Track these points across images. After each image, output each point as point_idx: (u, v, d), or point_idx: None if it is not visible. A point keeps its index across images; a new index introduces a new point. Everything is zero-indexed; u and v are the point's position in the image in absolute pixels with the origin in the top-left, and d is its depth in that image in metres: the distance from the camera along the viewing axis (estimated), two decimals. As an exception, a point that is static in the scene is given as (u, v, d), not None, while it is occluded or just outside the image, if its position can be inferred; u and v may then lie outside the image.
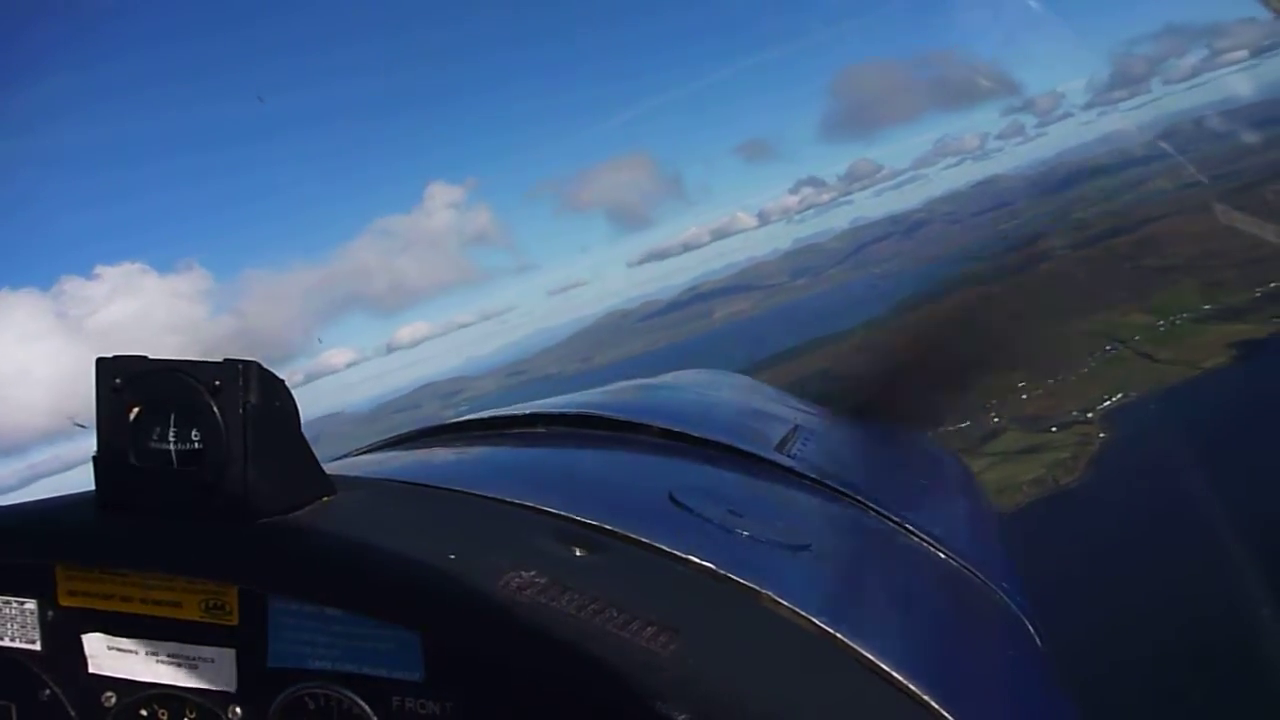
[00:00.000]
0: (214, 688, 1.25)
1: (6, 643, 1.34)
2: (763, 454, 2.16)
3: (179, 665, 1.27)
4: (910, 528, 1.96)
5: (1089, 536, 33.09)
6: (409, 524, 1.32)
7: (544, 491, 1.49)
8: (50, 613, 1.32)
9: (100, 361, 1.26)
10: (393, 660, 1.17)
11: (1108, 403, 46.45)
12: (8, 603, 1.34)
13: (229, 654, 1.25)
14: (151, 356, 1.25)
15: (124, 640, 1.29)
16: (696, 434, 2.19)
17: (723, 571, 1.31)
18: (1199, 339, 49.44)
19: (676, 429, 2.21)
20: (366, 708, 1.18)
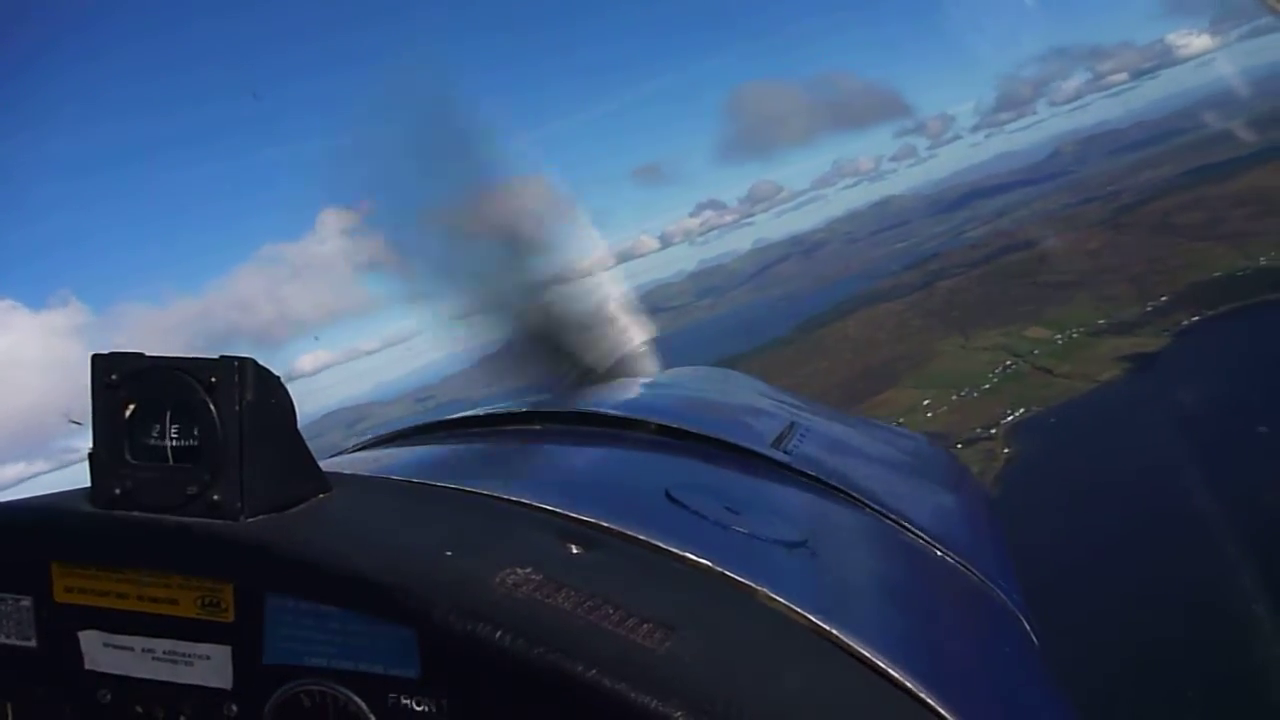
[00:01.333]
0: (210, 685, 1.24)
1: (2, 640, 1.33)
2: (759, 450, 2.16)
3: (175, 662, 1.26)
4: (906, 524, 1.96)
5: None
6: (405, 521, 1.32)
7: (540, 488, 1.49)
8: (46, 610, 1.31)
9: (95, 359, 1.25)
10: (389, 657, 1.16)
11: (1010, 417, 47.15)
12: (3, 600, 1.33)
13: (225, 651, 1.24)
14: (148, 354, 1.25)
15: (120, 637, 1.28)
16: (693, 430, 2.18)
17: (719, 568, 1.31)
18: (1094, 352, 50.54)
19: (673, 425, 2.20)
20: (363, 705, 1.18)
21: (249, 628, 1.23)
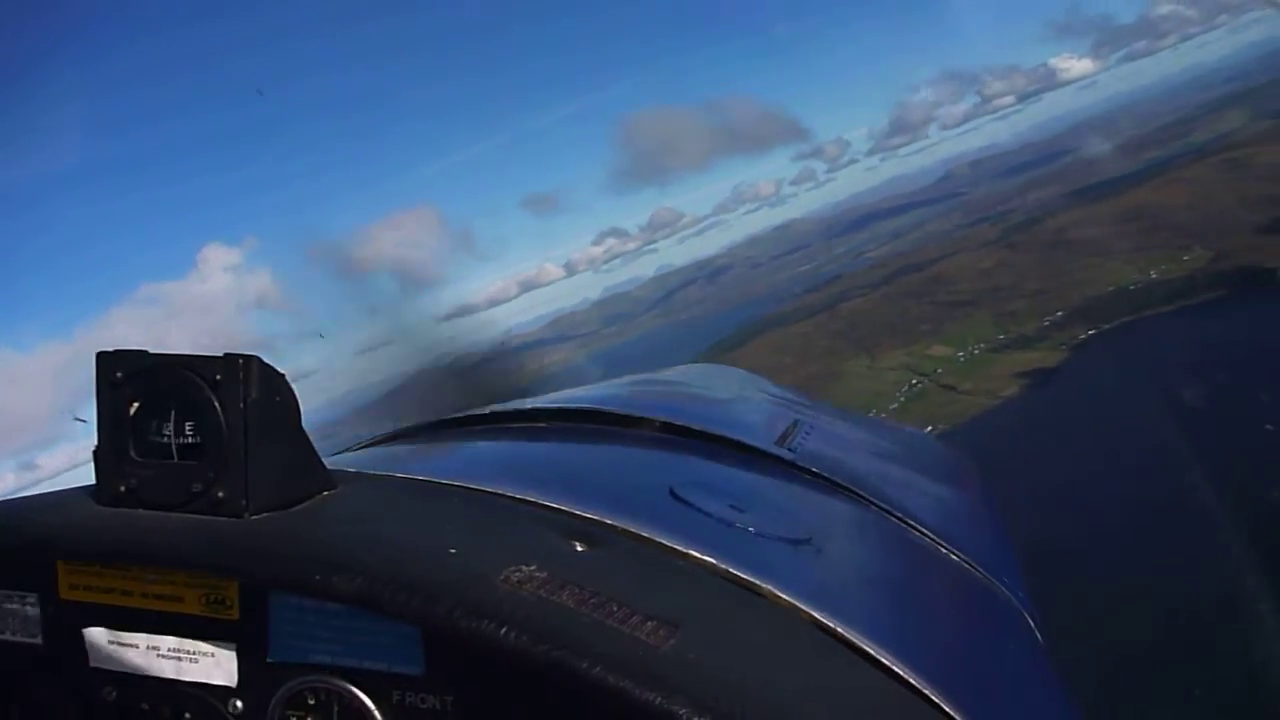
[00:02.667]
0: (215, 682, 1.25)
1: (7, 637, 1.33)
2: (763, 448, 2.16)
3: (180, 659, 1.26)
4: (911, 521, 1.95)
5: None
6: (409, 518, 1.33)
7: (544, 486, 1.49)
8: (51, 607, 1.31)
9: (101, 356, 1.26)
10: (393, 654, 1.17)
11: (920, 437, 47.22)
12: (8, 597, 1.33)
13: (230, 648, 1.24)
14: (152, 351, 1.25)
15: (125, 635, 1.28)
16: (697, 428, 2.18)
17: (723, 566, 1.31)
18: (996, 369, 51.06)
19: (677, 423, 2.20)
20: (367, 701, 1.18)
21: (254, 625, 1.23)
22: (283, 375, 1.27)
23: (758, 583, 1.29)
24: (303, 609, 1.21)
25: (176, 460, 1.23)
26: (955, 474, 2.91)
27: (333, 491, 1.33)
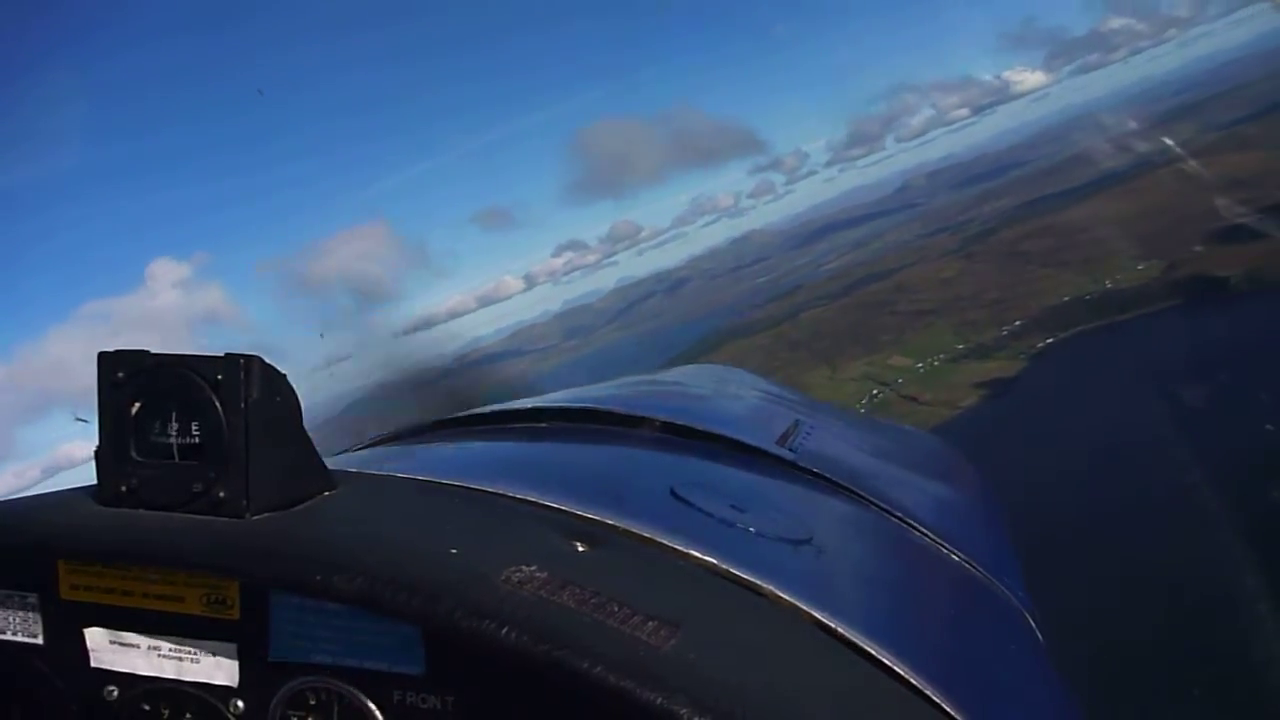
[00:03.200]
0: (216, 682, 1.25)
1: (8, 636, 1.33)
2: (764, 448, 2.16)
3: (181, 659, 1.26)
4: (911, 521, 1.95)
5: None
6: (410, 518, 1.32)
7: (545, 486, 1.48)
8: (52, 607, 1.31)
9: (102, 356, 1.26)
10: (394, 654, 1.17)
11: (882, 448, 47.31)
12: (9, 596, 1.33)
13: (231, 648, 1.24)
14: (153, 351, 1.25)
15: (126, 634, 1.28)
16: (697, 428, 2.19)
17: (724, 566, 1.31)
18: (956, 378, 51.38)
19: (678, 423, 2.20)
20: (368, 702, 1.18)
21: (254, 625, 1.23)
22: (284, 375, 1.27)
23: (758, 583, 1.29)
24: (303, 609, 1.21)
25: (177, 460, 1.23)
26: (955, 474, 2.90)
27: (333, 492, 1.33)
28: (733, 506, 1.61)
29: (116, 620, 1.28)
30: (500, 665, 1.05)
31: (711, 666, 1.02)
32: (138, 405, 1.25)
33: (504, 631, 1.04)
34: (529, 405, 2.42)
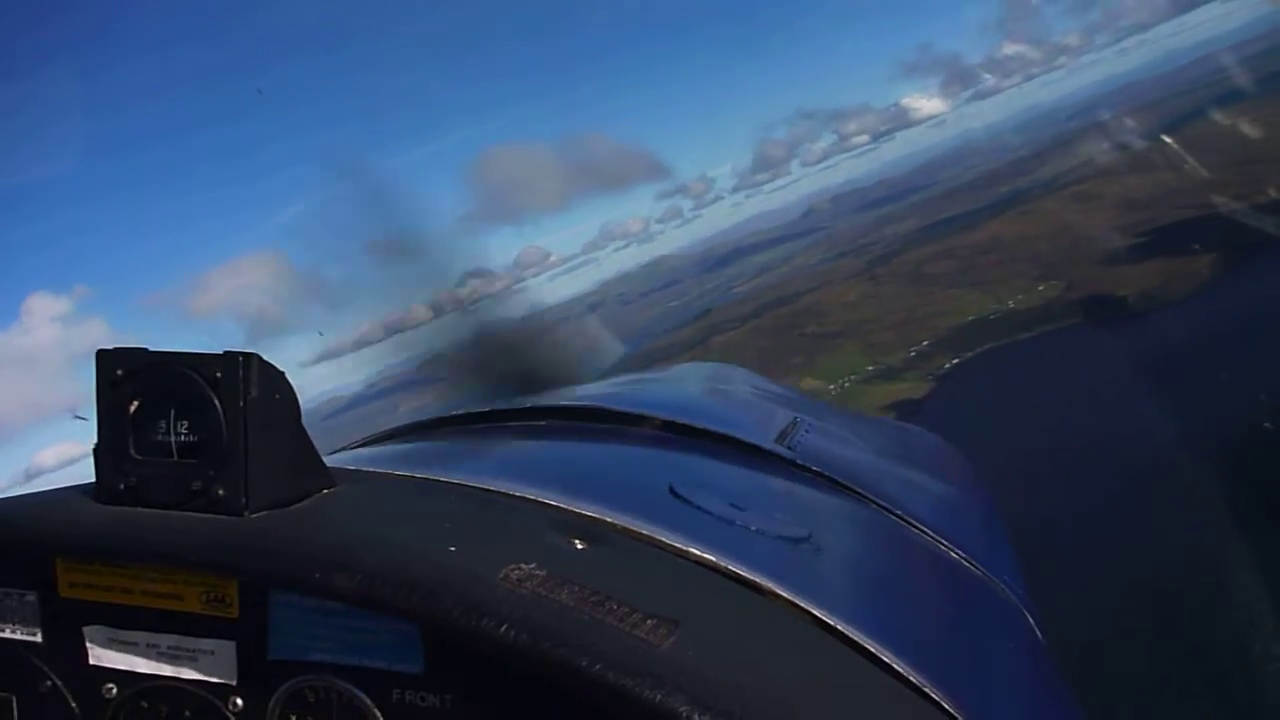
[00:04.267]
0: (215, 680, 1.25)
1: (7, 634, 1.34)
2: (763, 446, 2.17)
3: (180, 657, 1.26)
4: (910, 519, 1.96)
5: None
6: (409, 516, 1.32)
7: (544, 484, 1.48)
8: (51, 605, 1.31)
9: (101, 354, 1.26)
10: (393, 653, 1.17)
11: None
12: (8, 594, 1.33)
13: (229, 646, 1.24)
14: (151, 349, 1.25)
15: (125, 632, 1.28)
16: (696, 426, 2.19)
17: (723, 564, 1.31)
18: (866, 400, 51.53)
19: (677, 421, 2.21)
20: (367, 700, 1.18)
21: (253, 623, 1.23)
22: (283, 373, 1.26)
23: (758, 580, 1.29)
24: (302, 607, 1.21)
25: (176, 458, 1.23)
26: (954, 471, 2.89)
27: (332, 490, 1.32)
28: (731, 504, 1.60)
29: (115, 618, 1.28)
30: (499, 663, 1.05)
31: (710, 664, 1.02)
32: (136, 403, 1.24)
33: (503, 629, 1.03)
34: (528, 403, 2.40)
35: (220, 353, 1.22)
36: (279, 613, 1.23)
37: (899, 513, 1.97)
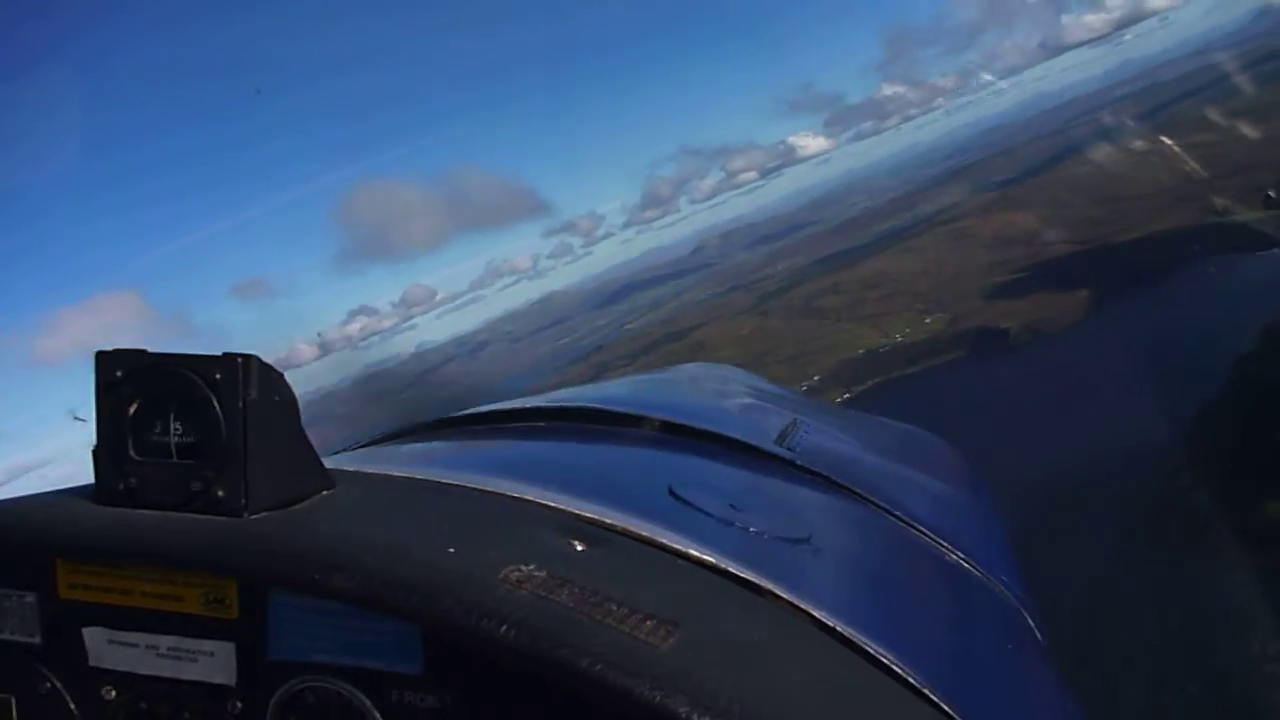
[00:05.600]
0: (214, 681, 1.24)
1: (6, 636, 1.33)
2: (762, 447, 2.15)
3: (179, 658, 1.26)
4: (909, 520, 1.94)
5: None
6: (408, 518, 1.32)
7: (543, 485, 1.48)
8: (50, 606, 1.31)
9: (100, 355, 1.25)
10: (392, 654, 1.17)
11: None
12: (7, 596, 1.33)
13: (229, 647, 1.24)
14: (150, 350, 1.25)
15: (124, 634, 1.27)
16: (696, 427, 2.17)
17: (722, 565, 1.31)
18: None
19: (676, 422, 2.19)
20: (366, 701, 1.18)
21: (253, 624, 1.22)
22: (282, 375, 1.26)
23: (757, 581, 1.28)
24: (302, 608, 1.20)
25: (175, 460, 1.22)
26: (954, 473, 2.86)
27: (331, 491, 1.32)
28: (731, 505, 1.59)
29: (115, 620, 1.27)
30: (499, 664, 1.05)
31: (710, 665, 1.01)
32: (136, 404, 1.23)
33: (502, 630, 1.02)
34: (527, 405, 2.38)
35: (219, 354, 1.21)
36: (278, 614, 1.21)
37: (898, 514, 1.95)
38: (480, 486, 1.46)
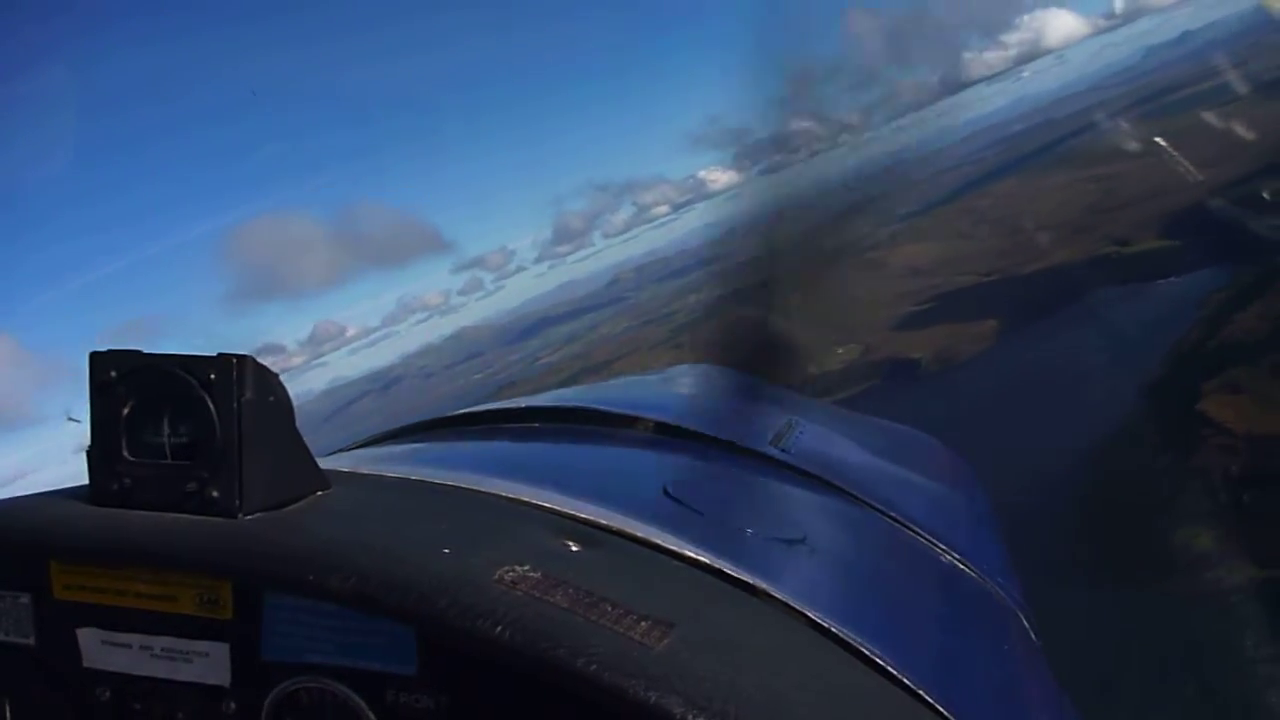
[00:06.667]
0: (208, 682, 1.24)
1: (1, 637, 1.33)
2: (758, 448, 2.15)
3: (173, 659, 1.26)
4: (904, 522, 1.95)
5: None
6: (403, 518, 1.32)
7: (538, 486, 1.48)
8: (44, 607, 1.31)
9: (93, 356, 1.25)
10: (387, 654, 1.16)
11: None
12: (1, 597, 1.33)
13: (223, 648, 1.24)
14: (145, 351, 1.24)
15: (118, 635, 1.27)
16: (691, 428, 2.18)
17: (717, 565, 1.31)
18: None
19: (671, 423, 2.20)
20: (361, 701, 1.18)
21: (247, 625, 1.22)
22: (276, 375, 1.25)
23: (752, 582, 1.29)
24: (296, 609, 1.20)
25: (170, 460, 1.22)
26: (949, 474, 2.86)
27: (326, 491, 1.32)
28: (726, 506, 1.60)
29: (109, 620, 1.27)
30: (494, 665, 1.04)
31: (705, 666, 1.01)
32: (130, 405, 1.23)
33: (497, 631, 1.02)
34: (522, 405, 2.38)
35: (214, 355, 1.20)
36: (273, 614, 1.21)
37: (893, 515, 1.95)
38: (475, 487, 1.45)
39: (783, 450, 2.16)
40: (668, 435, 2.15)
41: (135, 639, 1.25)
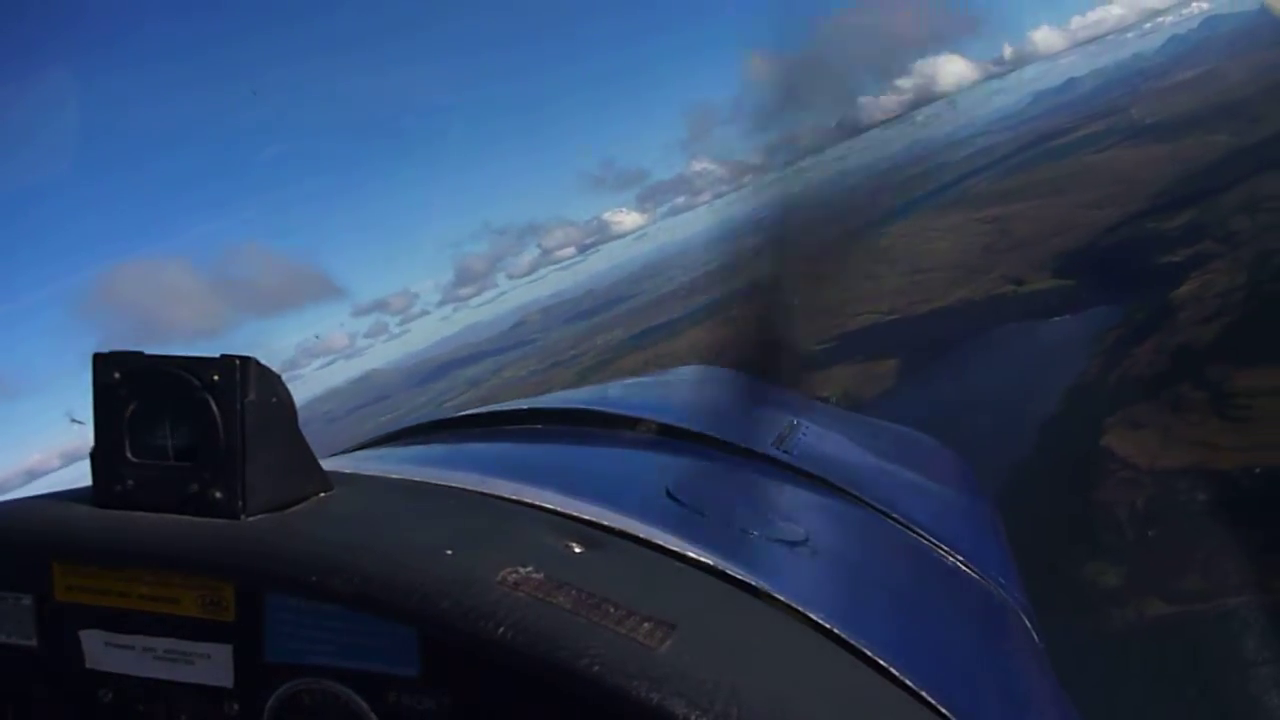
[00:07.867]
0: (211, 684, 1.24)
1: (3, 639, 1.32)
2: (760, 449, 2.14)
3: (176, 661, 1.25)
4: (907, 523, 1.95)
5: None
6: (405, 520, 1.31)
7: (541, 487, 1.48)
8: (47, 609, 1.30)
9: (97, 357, 1.24)
10: (389, 656, 1.16)
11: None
12: (4, 598, 1.32)
13: (226, 650, 1.24)
14: (148, 352, 1.24)
15: (121, 636, 1.27)
16: (694, 429, 2.17)
17: (719, 566, 1.30)
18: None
19: (674, 425, 2.19)
20: (363, 703, 1.18)
21: (250, 626, 1.22)
22: (279, 376, 1.25)
23: (754, 583, 1.28)
24: (299, 610, 1.20)
25: (173, 462, 1.22)
26: (952, 475, 2.85)
27: (329, 493, 1.31)
28: (729, 508, 1.60)
29: (111, 622, 1.27)
30: (496, 666, 1.04)
31: (707, 667, 1.01)
32: (133, 406, 1.22)
33: (500, 633, 1.02)
34: (525, 406, 2.37)
35: (217, 356, 1.20)
36: (275, 616, 1.21)
37: (896, 516, 1.95)
38: (478, 488, 1.45)
39: (785, 452, 2.16)
40: (670, 437, 2.15)
41: (137, 640, 1.25)
